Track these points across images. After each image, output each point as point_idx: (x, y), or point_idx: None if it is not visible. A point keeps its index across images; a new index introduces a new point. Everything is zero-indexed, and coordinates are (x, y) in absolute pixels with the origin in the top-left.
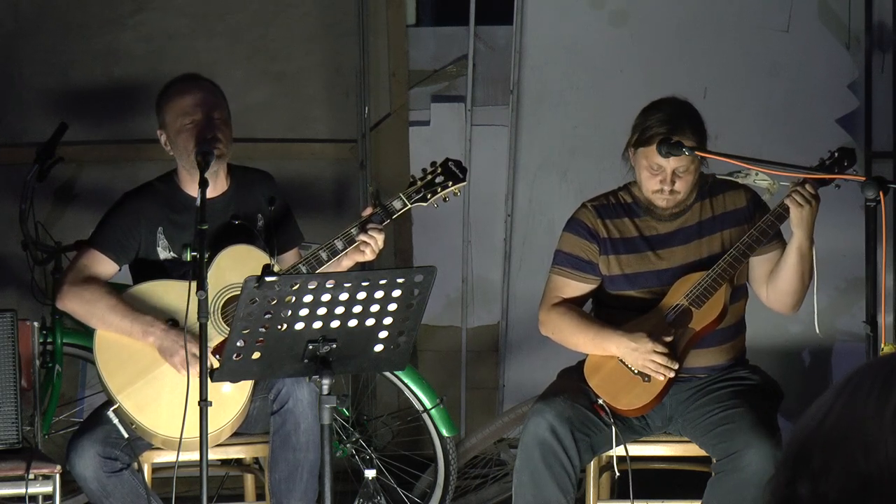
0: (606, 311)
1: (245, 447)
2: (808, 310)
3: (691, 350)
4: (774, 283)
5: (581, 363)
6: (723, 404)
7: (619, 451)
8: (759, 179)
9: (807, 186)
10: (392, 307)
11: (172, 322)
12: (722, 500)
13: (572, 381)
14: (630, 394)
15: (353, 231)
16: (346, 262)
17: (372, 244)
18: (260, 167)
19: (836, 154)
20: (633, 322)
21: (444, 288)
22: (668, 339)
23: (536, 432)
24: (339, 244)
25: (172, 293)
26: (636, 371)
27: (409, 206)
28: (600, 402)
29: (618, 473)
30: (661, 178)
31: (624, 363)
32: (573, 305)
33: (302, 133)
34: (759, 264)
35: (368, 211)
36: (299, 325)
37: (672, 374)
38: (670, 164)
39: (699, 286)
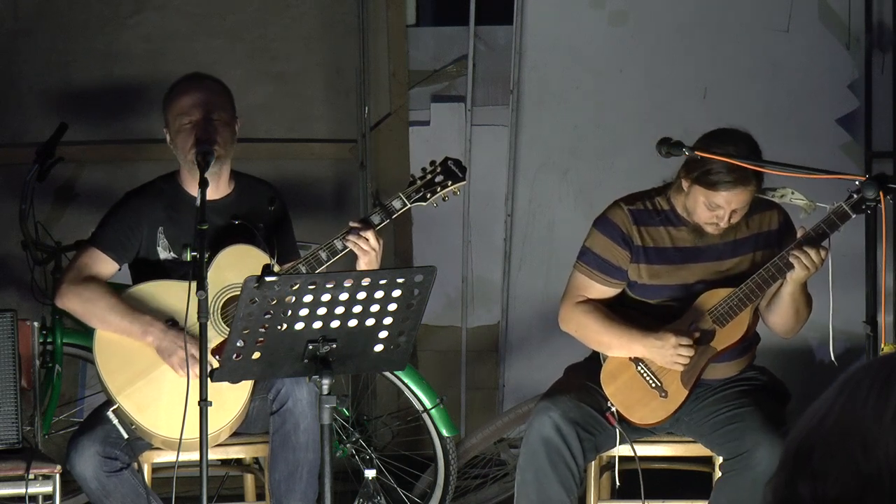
0: (626, 311)
1: (245, 447)
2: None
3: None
4: (771, 320)
5: (588, 360)
6: (730, 404)
7: (621, 451)
8: (796, 199)
9: (821, 252)
10: (392, 307)
11: (172, 322)
12: (732, 499)
13: (579, 380)
14: (646, 408)
15: (337, 243)
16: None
17: (362, 244)
18: (260, 167)
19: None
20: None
21: (444, 288)
22: (696, 335)
23: (542, 431)
24: (338, 244)
25: (172, 293)
26: (654, 385)
27: (409, 205)
28: (613, 409)
29: (617, 480)
30: (718, 214)
31: (642, 374)
32: (598, 304)
33: (302, 133)
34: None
35: (355, 225)
36: (299, 325)
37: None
38: (731, 205)
39: (725, 304)
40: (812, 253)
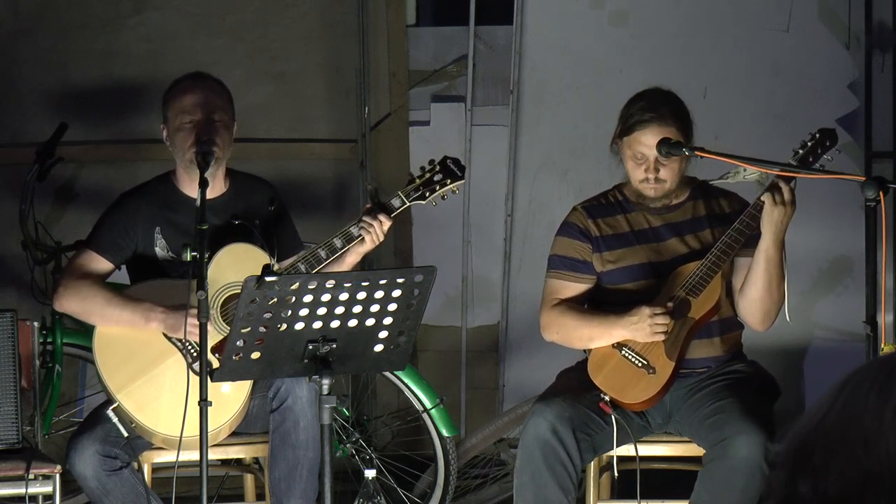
0: (604, 308)
1: (245, 447)
2: (804, 309)
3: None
4: (744, 292)
5: (580, 363)
6: (715, 397)
7: (619, 451)
8: (748, 174)
9: (783, 192)
10: (392, 307)
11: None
12: (711, 489)
13: (572, 382)
14: (637, 387)
15: (353, 230)
16: (350, 259)
17: (376, 227)
18: (260, 167)
19: (818, 135)
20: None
21: (443, 288)
22: (669, 305)
23: (537, 432)
24: (337, 242)
25: (171, 292)
26: (640, 364)
27: (408, 204)
28: (606, 398)
29: (616, 474)
30: (646, 166)
31: (627, 357)
32: (570, 303)
33: (302, 133)
34: (738, 270)
35: (369, 206)
36: (299, 325)
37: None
38: (653, 151)
39: (695, 276)
40: (784, 189)
